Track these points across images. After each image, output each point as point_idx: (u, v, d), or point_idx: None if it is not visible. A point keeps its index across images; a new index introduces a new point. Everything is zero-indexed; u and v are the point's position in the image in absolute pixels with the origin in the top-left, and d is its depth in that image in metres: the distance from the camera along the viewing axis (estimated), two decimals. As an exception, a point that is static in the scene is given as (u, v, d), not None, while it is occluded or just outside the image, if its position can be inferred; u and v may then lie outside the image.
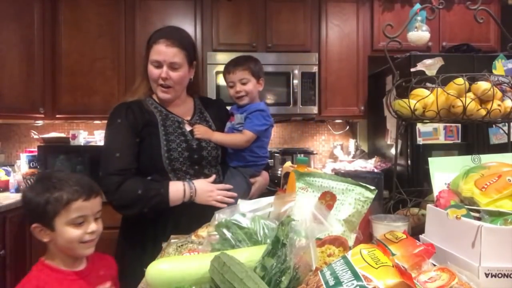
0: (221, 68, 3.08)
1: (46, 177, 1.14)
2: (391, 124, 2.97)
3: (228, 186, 1.60)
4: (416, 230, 1.29)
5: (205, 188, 1.54)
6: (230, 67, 1.75)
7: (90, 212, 1.13)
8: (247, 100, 1.73)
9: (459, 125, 2.66)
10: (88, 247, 1.13)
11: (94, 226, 1.13)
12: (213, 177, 1.60)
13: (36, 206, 1.08)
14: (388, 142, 3.07)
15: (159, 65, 1.53)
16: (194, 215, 1.47)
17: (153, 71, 1.55)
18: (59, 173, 1.17)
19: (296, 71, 3.12)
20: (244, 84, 1.72)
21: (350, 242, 1.13)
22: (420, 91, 1.45)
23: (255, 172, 1.76)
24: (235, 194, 1.58)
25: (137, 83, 1.66)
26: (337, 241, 1.06)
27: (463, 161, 1.26)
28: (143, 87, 1.63)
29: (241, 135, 1.69)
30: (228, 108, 1.83)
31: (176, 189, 1.51)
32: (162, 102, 1.64)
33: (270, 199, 1.20)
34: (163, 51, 1.52)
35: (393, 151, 2.95)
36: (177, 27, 1.70)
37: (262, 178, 1.80)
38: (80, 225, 1.10)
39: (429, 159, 1.30)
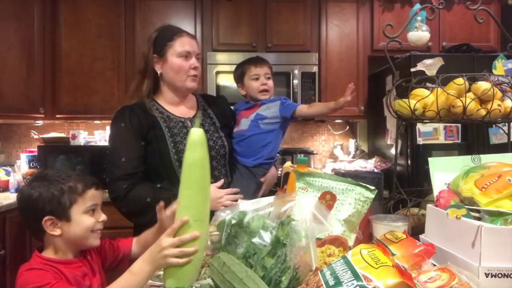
0: (221, 68, 3.12)
1: (46, 174, 1.15)
2: (391, 124, 2.97)
3: (235, 189, 1.59)
4: (416, 230, 1.29)
5: (214, 195, 1.51)
6: (257, 60, 1.86)
7: (99, 201, 1.16)
8: (268, 96, 1.83)
9: (459, 125, 2.65)
10: (97, 237, 1.15)
11: (104, 216, 1.16)
12: (221, 181, 1.59)
13: (50, 198, 1.08)
14: (388, 142, 3.07)
15: (188, 55, 1.58)
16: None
17: (182, 62, 1.57)
18: (56, 170, 1.19)
19: (296, 71, 3.11)
20: (268, 79, 1.83)
21: (350, 242, 1.13)
22: (420, 91, 1.45)
23: (265, 171, 1.79)
24: (242, 196, 1.57)
25: (136, 83, 1.63)
26: (337, 241, 1.06)
27: (463, 161, 1.26)
28: (146, 87, 1.60)
29: (304, 105, 1.83)
30: (232, 106, 1.88)
31: None
32: (168, 101, 1.63)
33: (270, 199, 1.20)
34: (191, 42, 1.59)
35: (393, 151, 2.95)
36: None
37: (270, 174, 1.82)
38: (92, 214, 1.13)
39: (429, 159, 1.30)
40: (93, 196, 1.13)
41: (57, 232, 1.09)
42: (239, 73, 1.87)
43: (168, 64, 1.57)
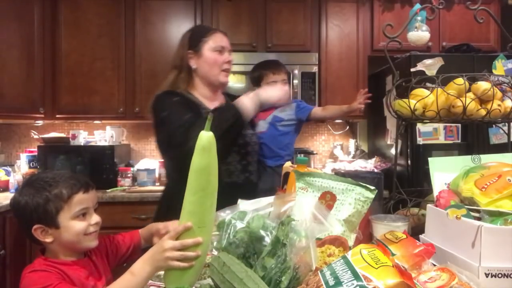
0: (221, 68, 3.12)
1: (35, 179, 1.13)
2: (391, 124, 2.97)
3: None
4: (416, 230, 1.29)
5: (249, 102, 1.54)
6: (275, 67, 1.90)
7: (91, 204, 1.13)
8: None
9: (459, 125, 2.65)
10: (92, 239, 1.13)
11: (96, 218, 1.14)
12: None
13: (35, 207, 1.07)
14: (388, 142, 3.07)
15: (222, 50, 1.65)
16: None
17: (217, 56, 1.64)
18: (46, 173, 1.16)
19: (296, 71, 3.11)
20: (285, 84, 1.89)
21: (350, 242, 1.13)
22: (420, 91, 1.45)
23: None
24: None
25: (172, 76, 1.68)
26: (337, 241, 1.06)
27: (463, 161, 1.26)
28: (181, 81, 1.66)
29: (319, 108, 1.93)
30: None
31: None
32: (202, 95, 1.67)
33: (270, 199, 1.20)
34: (224, 39, 1.68)
35: (393, 151, 2.95)
36: None
37: None
38: (84, 218, 1.11)
39: (429, 159, 1.30)
40: (81, 200, 1.10)
41: (49, 239, 1.09)
42: (256, 77, 1.91)
43: (203, 58, 1.64)
